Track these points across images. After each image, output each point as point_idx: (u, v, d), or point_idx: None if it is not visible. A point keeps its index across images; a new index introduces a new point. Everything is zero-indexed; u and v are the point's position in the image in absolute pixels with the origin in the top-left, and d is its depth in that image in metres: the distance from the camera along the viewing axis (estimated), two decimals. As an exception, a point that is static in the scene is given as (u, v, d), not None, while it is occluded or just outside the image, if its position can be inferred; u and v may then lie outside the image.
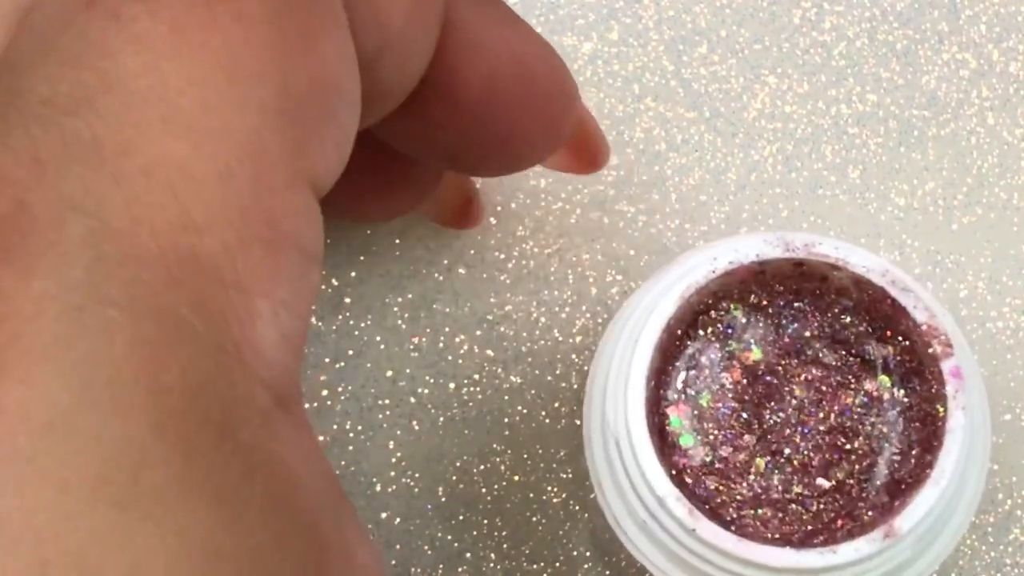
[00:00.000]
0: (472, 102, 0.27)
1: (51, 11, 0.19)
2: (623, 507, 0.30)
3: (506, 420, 0.38)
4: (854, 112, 0.40)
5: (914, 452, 0.30)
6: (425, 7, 0.25)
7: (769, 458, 0.31)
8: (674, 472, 0.30)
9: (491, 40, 0.27)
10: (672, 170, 0.40)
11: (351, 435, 0.38)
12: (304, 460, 0.20)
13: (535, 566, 0.38)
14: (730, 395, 0.31)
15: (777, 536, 0.30)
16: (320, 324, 0.39)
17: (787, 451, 0.31)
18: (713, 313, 0.31)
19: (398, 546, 0.37)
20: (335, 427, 0.38)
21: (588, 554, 0.37)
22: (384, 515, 0.38)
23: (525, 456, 0.38)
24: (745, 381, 0.31)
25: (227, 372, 0.19)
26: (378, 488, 0.38)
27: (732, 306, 0.31)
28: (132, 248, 0.18)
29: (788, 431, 0.31)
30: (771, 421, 0.31)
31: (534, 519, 0.38)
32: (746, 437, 0.31)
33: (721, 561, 0.29)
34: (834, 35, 0.41)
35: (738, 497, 0.30)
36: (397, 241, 0.39)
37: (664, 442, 0.30)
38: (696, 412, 0.31)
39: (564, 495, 0.38)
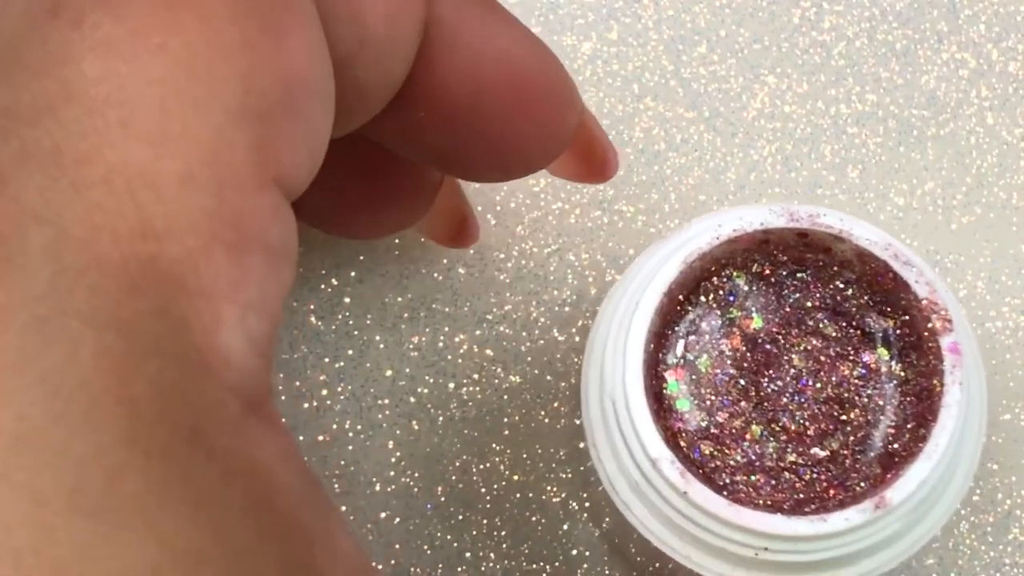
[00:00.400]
0: (456, 103, 0.27)
1: (15, 20, 0.19)
2: (617, 468, 0.30)
3: (506, 420, 0.38)
4: (853, 112, 0.40)
5: (909, 426, 0.30)
6: (406, 6, 0.24)
7: (764, 426, 0.31)
8: (669, 436, 0.30)
9: (476, 39, 0.26)
10: (671, 170, 0.40)
11: (351, 435, 0.38)
12: (282, 461, 0.20)
13: (535, 566, 0.38)
14: (729, 362, 0.31)
15: (769, 503, 0.30)
16: (320, 324, 0.39)
17: (783, 419, 0.31)
18: (715, 280, 0.31)
19: (398, 546, 0.37)
20: (335, 427, 0.38)
21: (588, 554, 0.37)
22: (384, 515, 0.38)
23: (525, 456, 0.38)
24: (744, 348, 0.31)
25: (194, 381, 0.18)
26: (378, 488, 0.38)
27: (735, 274, 0.31)
28: (93, 257, 0.18)
29: (785, 400, 0.31)
30: (768, 389, 0.31)
31: (534, 519, 0.38)
32: (742, 404, 0.31)
33: (711, 525, 0.29)
34: (834, 35, 0.41)
35: (731, 463, 0.30)
36: (397, 241, 0.39)
37: (661, 405, 0.31)
38: (694, 377, 0.31)
39: (564, 495, 0.38)
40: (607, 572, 0.37)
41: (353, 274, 0.39)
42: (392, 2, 0.24)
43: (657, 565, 0.33)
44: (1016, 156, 0.40)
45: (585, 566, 0.37)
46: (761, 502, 0.30)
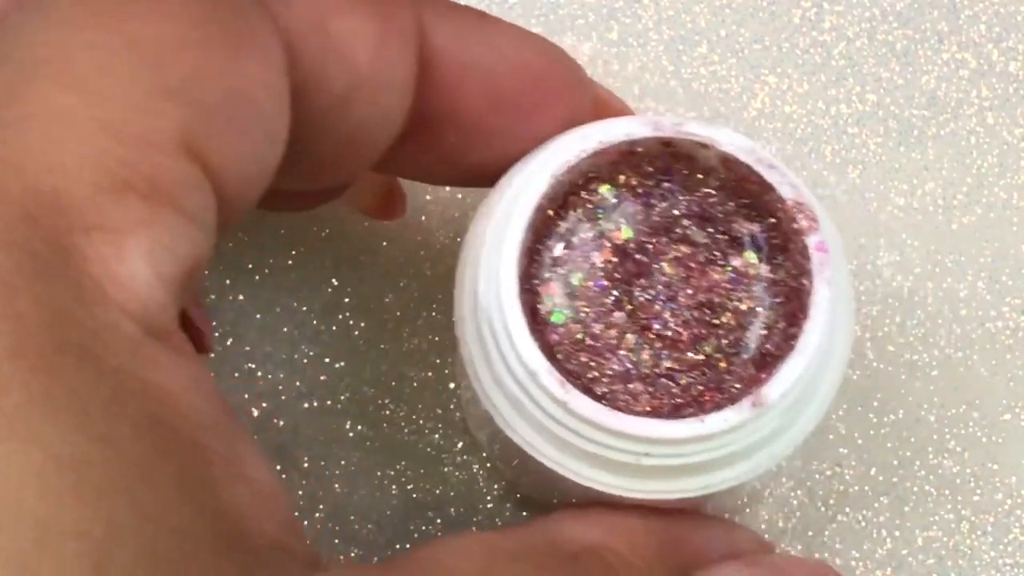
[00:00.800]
0: (482, 120, 0.28)
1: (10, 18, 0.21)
2: (495, 385, 0.30)
3: (506, 420, 0.38)
4: (854, 112, 0.40)
5: (780, 326, 0.31)
6: (394, 42, 0.25)
7: (639, 334, 0.31)
8: (546, 349, 0.30)
9: (483, 56, 0.27)
10: (672, 170, 0.40)
11: (351, 435, 0.38)
12: (187, 385, 0.20)
13: (535, 566, 0.38)
14: (601, 273, 0.31)
15: (647, 410, 0.30)
16: (320, 324, 0.39)
17: (657, 327, 0.31)
18: (583, 193, 0.32)
19: (397, 546, 0.38)
20: (335, 427, 0.38)
21: (588, 554, 0.38)
22: (387, 514, 0.38)
23: (525, 456, 0.38)
24: (616, 259, 0.31)
25: (86, 304, 0.19)
26: (379, 487, 0.38)
27: (603, 186, 0.32)
28: None
29: (658, 307, 0.31)
30: (641, 298, 0.31)
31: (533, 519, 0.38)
32: (616, 314, 0.31)
33: (591, 433, 0.29)
34: (834, 35, 0.41)
35: (609, 372, 0.31)
36: (390, 244, 0.39)
37: (535, 320, 0.31)
38: (567, 291, 0.31)
39: (564, 495, 0.38)
40: (607, 572, 0.37)
41: (354, 274, 0.39)
42: (382, 43, 0.25)
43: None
44: (1016, 156, 0.40)
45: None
46: (640, 409, 0.30)
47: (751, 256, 0.31)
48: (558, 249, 0.31)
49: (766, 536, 0.38)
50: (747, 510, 0.38)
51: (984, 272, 0.39)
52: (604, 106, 0.33)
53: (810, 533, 0.38)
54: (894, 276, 0.39)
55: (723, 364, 0.31)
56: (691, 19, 0.41)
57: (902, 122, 0.40)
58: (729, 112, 0.40)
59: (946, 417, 0.38)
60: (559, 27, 0.40)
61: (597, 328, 0.31)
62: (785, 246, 0.31)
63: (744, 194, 0.31)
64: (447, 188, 0.39)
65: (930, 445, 0.38)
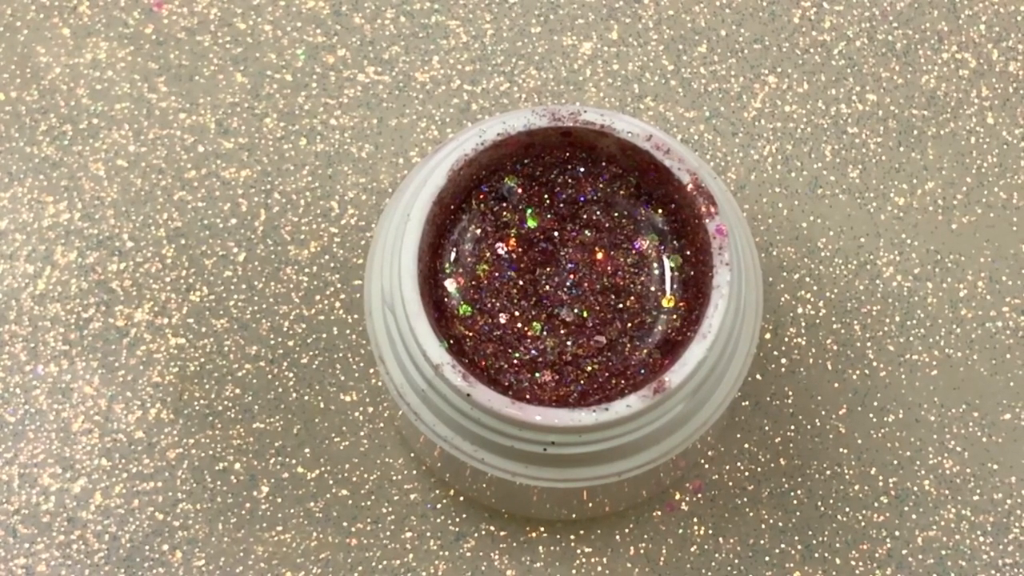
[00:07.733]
0: None
1: None
2: (404, 379, 0.31)
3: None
4: (854, 112, 0.40)
5: (682, 309, 0.31)
6: None
7: (545, 322, 0.31)
8: (453, 342, 0.31)
9: None
10: (672, 170, 0.40)
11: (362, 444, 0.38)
12: None
13: (537, 565, 0.38)
14: (506, 264, 0.32)
15: (554, 399, 0.31)
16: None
17: (562, 314, 0.31)
18: (486, 186, 0.32)
19: (396, 546, 0.38)
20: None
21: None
22: (386, 512, 0.38)
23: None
24: (521, 249, 0.32)
25: None
26: (380, 484, 0.38)
27: (506, 178, 0.32)
28: None
29: (563, 294, 0.32)
30: (547, 286, 0.32)
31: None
32: (523, 303, 0.31)
33: (497, 424, 0.30)
34: (834, 35, 0.41)
35: (515, 362, 0.31)
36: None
37: (443, 313, 0.31)
38: (473, 282, 0.31)
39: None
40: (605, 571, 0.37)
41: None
42: None
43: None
44: (1016, 156, 0.40)
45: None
46: (546, 398, 0.31)
47: (654, 240, 0.32)
48: (462, 242, 0.32)
49: (766, 536, 0.38)
50: (747, 511, 0.38)
51: (984, 272, 0.39)
52: None
53: (810, 533, 0.38)
54: (894, 276, 0.39)
55: (628, 349, 0.31)
56: (691, 19, 0.41)
57: (902, 122, 0.40)
58: (729, 112, 0.40)
59: (946, 417, 0.38)
60: (559, 27, 0.40)
61: (504, 318, 0.31)
62: (686, 230, 0.31)
63: (643, 179, 0.32)
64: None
65: (930, 445, 0.38)
